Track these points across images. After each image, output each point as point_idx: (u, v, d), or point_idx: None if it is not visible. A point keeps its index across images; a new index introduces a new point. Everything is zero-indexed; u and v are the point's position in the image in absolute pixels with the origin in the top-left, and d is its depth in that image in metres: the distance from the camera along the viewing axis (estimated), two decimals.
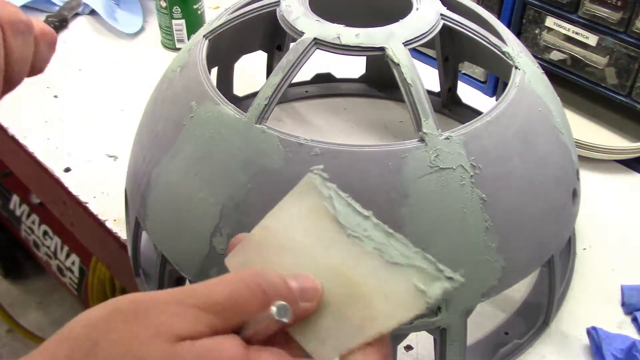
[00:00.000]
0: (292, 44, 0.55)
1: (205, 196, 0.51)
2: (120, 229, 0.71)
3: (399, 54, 0.52)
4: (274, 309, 0.27)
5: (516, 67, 0.56)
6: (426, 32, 0.55)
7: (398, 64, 0.51)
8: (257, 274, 0.29)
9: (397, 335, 0.52)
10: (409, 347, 0.60)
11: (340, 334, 0.28)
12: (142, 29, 1.07)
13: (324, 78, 0.90)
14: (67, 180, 0.78)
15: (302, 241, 0.30)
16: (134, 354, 0.27)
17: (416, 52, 0.95)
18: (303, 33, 0.54)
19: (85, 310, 0.29)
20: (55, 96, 0.92)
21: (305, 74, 0.85)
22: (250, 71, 0.82)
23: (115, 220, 0.73)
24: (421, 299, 0.26)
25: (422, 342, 0.60)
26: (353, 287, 0.28)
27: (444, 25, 0.57)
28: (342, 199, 0.31)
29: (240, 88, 0.82)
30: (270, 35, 0.76)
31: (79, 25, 1.08)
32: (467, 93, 0.88)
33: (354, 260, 0.29)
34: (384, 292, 0.27)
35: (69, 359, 0.28)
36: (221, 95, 0.53)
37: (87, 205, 0.75)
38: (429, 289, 0.26)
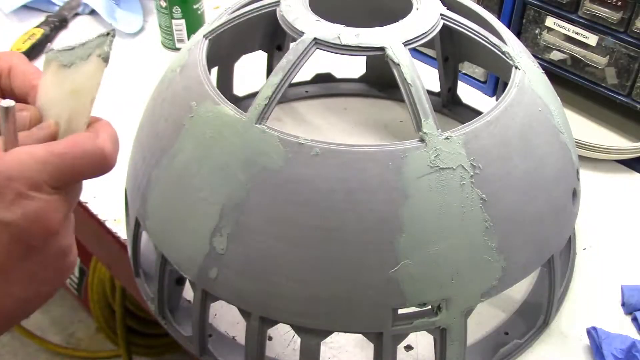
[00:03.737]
0: (292, 44, 0.55)
1: (205, 196, 0.51)
2: (120, 229, 0.71)
3: (399, 54, 0.52)
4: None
5: (516, 67, 0.56)
6: (426, 32, 0.55)
7: (398, 64, 0.51)
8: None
9: (397, 335, 0.52)
10: (409, 347, 0.60)
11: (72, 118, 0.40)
12: (142, 29, 1.07)
13: (324, 78, 0.90)
14: None
15: (49, 91, 0.41)
16: None
17: (416, 52, 0.95)
18: (303, 33, 0.54)
19: None
20: None
21: (305, 74, 0.85)
22: (250, 71, 0.82)
23: (115, 220, 0.73)
24: (99, 57, 0.40)
25: (422, 342, 0.60)
26: (72, 96, 0.40)
27: (444, 25, 0.57)
28: (65, 51, 0.41)
29: (240, 88, 0.82)
30: (270, 35, 0.76)
31: (79, 25, 1.08)
32: (467, 93, 0.88)
33: (65, 79, 0.40)
34: (85, 75, 0.40)
35: None
36: (221, 95, 0.53)
37: (87, 205, 0.75)
38: (101, 50, 0.40)
